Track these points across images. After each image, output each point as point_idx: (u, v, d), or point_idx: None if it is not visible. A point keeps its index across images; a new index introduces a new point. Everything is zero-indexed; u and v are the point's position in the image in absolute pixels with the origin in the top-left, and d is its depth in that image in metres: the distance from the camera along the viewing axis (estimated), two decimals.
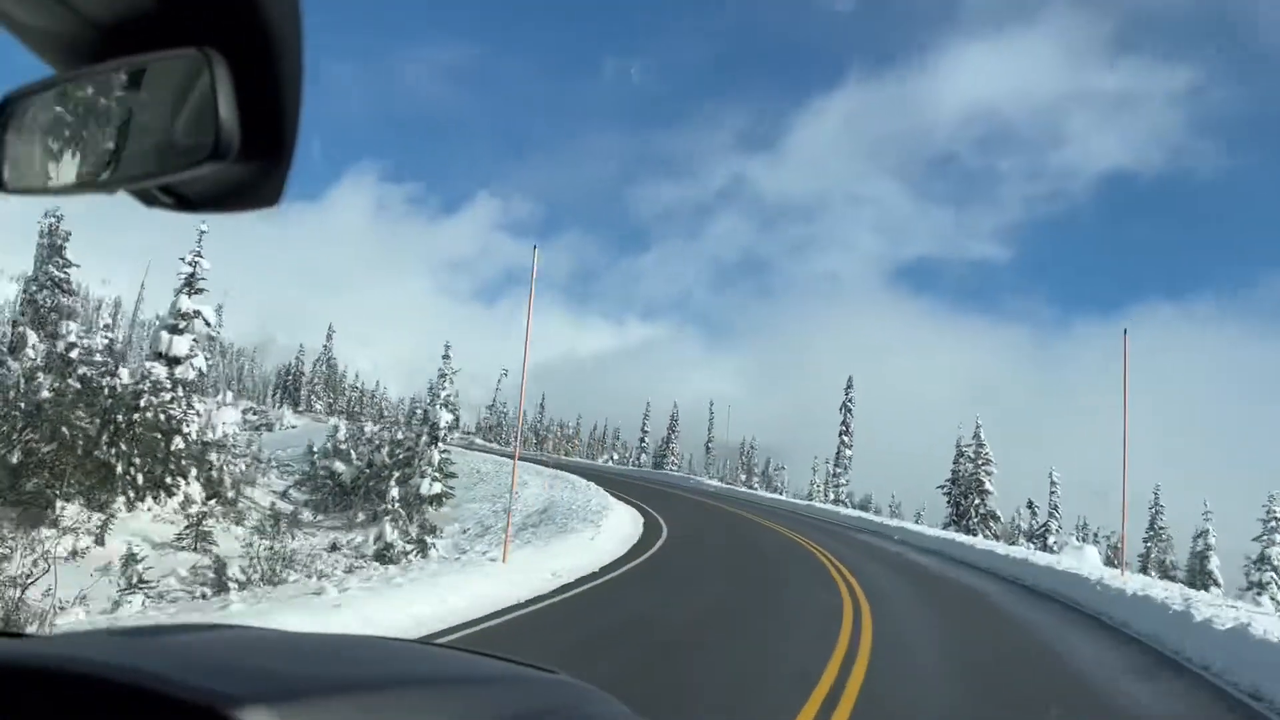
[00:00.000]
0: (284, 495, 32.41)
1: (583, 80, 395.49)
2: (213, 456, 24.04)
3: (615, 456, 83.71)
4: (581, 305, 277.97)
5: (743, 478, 73.97)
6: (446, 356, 32.17)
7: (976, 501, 40.03)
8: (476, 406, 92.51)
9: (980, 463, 40.84)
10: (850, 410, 55.61)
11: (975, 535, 34.22)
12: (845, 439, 55.52)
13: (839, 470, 55.59)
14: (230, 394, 54.53)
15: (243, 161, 0.61)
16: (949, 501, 41.50)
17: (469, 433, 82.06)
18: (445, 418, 30.58)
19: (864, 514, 39.85)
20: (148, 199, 0.65)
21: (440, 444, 30.16)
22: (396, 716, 0.66)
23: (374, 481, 31.10)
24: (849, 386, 55.96)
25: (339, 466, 32.22)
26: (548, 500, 27.64)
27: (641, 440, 76.74)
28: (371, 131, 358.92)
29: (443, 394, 31.18)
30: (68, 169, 0.67)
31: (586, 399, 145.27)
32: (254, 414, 53.72)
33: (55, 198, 0.70)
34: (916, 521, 42.79)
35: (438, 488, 29.01)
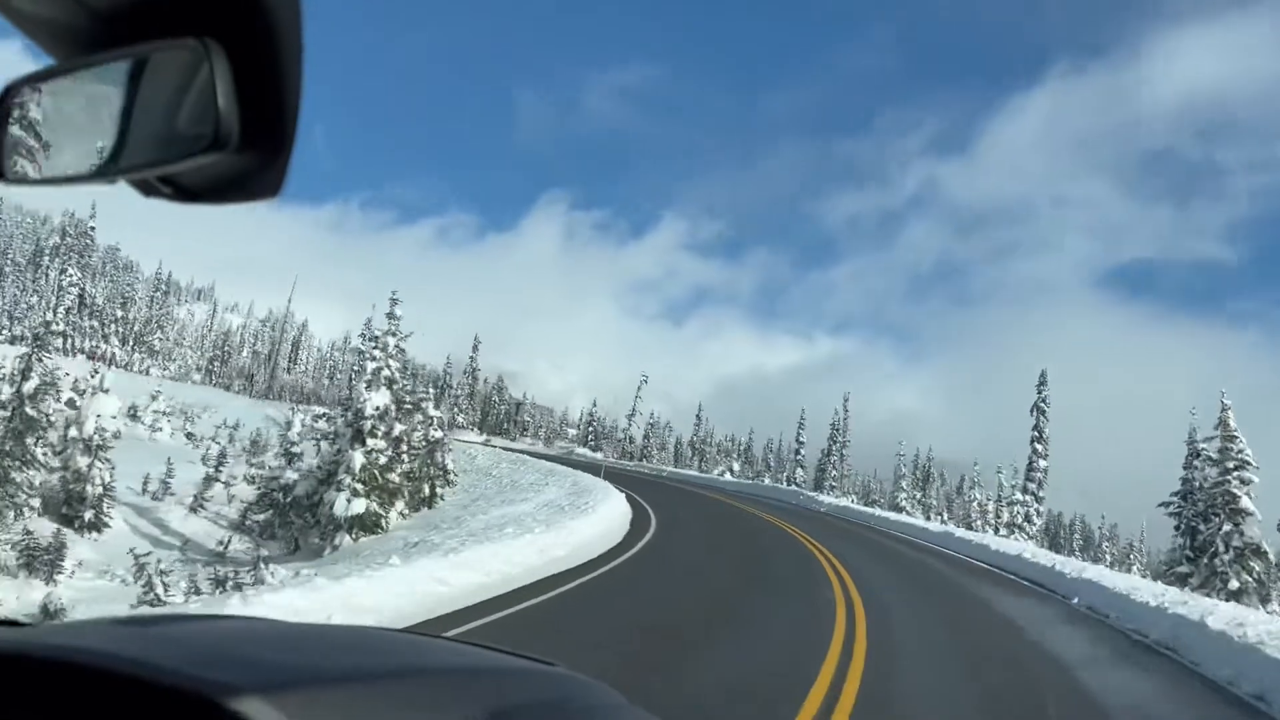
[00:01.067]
0: (243, 518, 24.99)
1: (766, 94, 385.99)
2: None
3: (735, 469, 73.81)
4: (768, 321, 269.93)
5: (877, 500, 61.10)
6: (392, 314, 23.55)
7: (1226, 527, 26.63)
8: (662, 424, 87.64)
9: (1231, 466, 27.29)
10: (1044, 412, 42.63)
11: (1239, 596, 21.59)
12: (1038, 446, 42.52)
13: (1030, 485, 42.48)
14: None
15: (243, 152, 0.60)
16: (1179, 526, 28.16)
17: (597, 440, 74.51)
18: (377, 402, 21.85)
19: (1058, 561, 18.93)
20: (147, 189, 0.64)
21: (371, 440, 21.48)
22: (392, 706, 0.66)
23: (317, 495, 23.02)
24: (1042, 383, 43.05)
25: (290, 476, 24.26)
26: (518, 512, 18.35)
27: (797, 453, 65.46)
28: (560, 161, 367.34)
29: (371, 365, 22.58)
30: (67, 159, 0.67)
31: (765, 414, 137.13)
32: None
33: (54, 188, 0.70)
34: (1127, 563, 29.24)
35: (359, 506, 20.36)
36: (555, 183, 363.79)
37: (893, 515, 36.01)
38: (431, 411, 26.97)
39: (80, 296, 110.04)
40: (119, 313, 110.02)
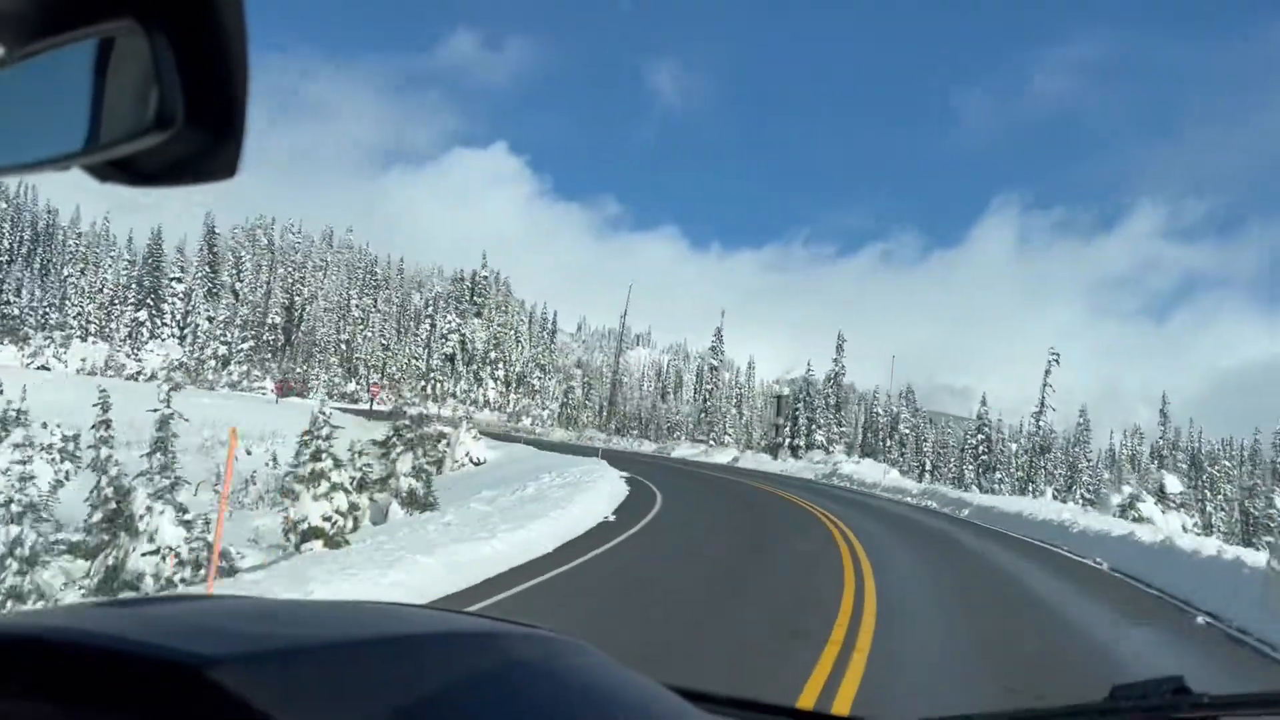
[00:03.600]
0: None
1: (1264, 27, 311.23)
2: None
3: None
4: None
5: None
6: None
7: None
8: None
9: None
10: None
11: None
12: None
13: None
14: None
15: (191, 132, 0.60)
16: None
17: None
18: None
19: None
20: (101, 174, 0.64)
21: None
22: (373, 672, 0.68)
23: None
24: None
25: None
26: None
27: None
28: (1008, 160, 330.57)
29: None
30: (15, 148, 0.67)
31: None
32: None
33: (6, 177, 0.71)
34: None
35: None
36: (1004, 184, 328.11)
37: None
38: None
39: (461, 342, 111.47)
40: (491, 354, 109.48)
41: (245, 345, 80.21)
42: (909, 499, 24.27)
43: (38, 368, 63.13)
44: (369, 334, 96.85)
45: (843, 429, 66.52)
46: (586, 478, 18.56)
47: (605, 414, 79.63)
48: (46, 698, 0.59)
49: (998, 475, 63.11)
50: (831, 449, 64.74)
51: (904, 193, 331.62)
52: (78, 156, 0.62)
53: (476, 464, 24.40)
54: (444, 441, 24.39)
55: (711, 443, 46.71)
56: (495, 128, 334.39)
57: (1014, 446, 74.48)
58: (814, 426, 67.53)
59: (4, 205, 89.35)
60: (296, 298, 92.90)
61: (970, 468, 62.49)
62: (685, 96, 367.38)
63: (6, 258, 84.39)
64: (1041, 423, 51.73)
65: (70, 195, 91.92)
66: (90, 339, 76.37)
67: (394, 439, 18.67)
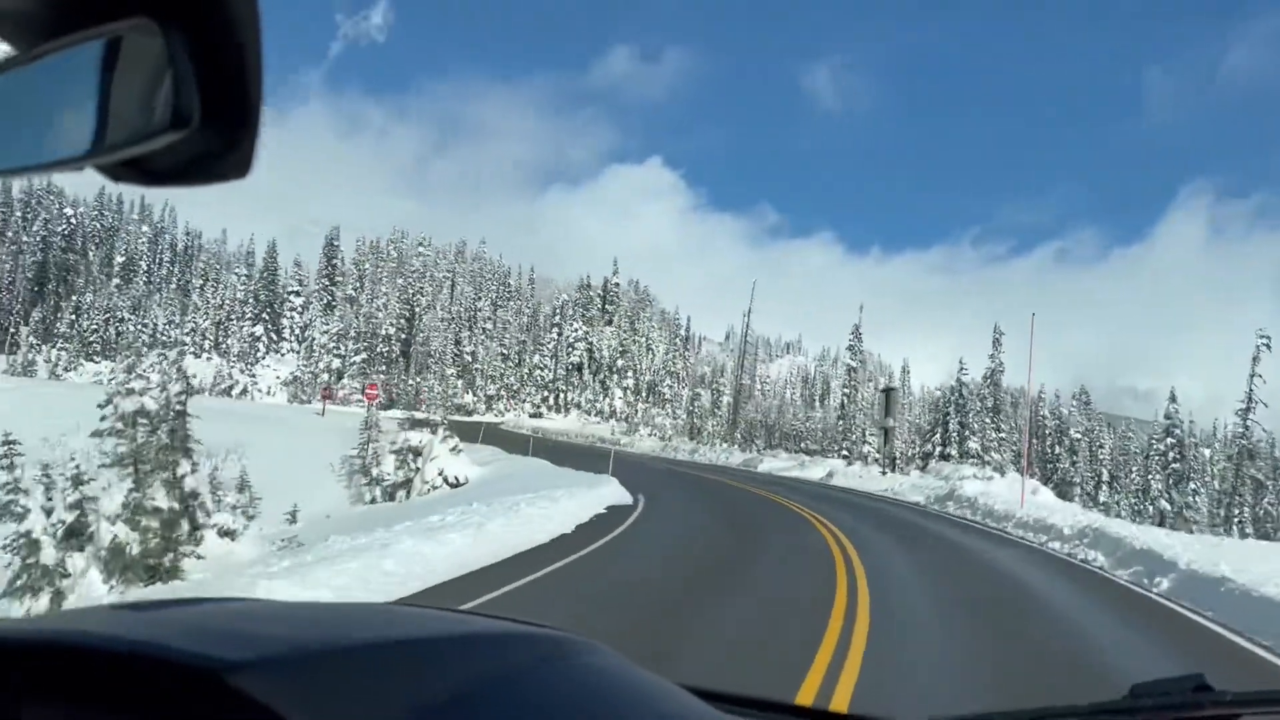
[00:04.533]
0: None
1: None
2: None
3: None
4: None
5: None
6: None
7: None
8: None
9: None
10: None
11: None
12: None
13: None
14: None
15: (206, 132, 0.59)
16: None
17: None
18: None
19: None
20: (114, 174, 0.63)
21: None
22: (387, 674, 0.69)
23: None
24: None
25: None
26: None
27: None
28: (1199, 145, 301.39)
29: None
30: (29, 148, 0.66)
31: None
32: None
33: (18, 177, 0.69)
34: None
35: None
36: (1194, 173, 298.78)
37: None
38: None
39: (589, 350, 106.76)
40: (618, 362, 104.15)
41: (358, 358, 78.14)
42: (1056, 543, 14.48)
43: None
44: (489, 344, 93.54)
45: (1001, 434, 56.78)
46: (556, 509, 12.54)
47: (730, 422, 72.36)
48: (69, 702, 0.59)
49: (1191, 486, 52.28)
50: (987, 457, 55.23)
51: (1082, 188, 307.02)
52: (91, 156, 0.61)
53: (454, 484, 18.31)
54: (419, 457, 18.47)
55: (809, 456, 38.82)
56: (651, 142, 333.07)
57: (1207, 453, 62.46)
58: (967, 433, 58.22)
59: (146, 228, 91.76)
60: (415, 308, 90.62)
61: (1157, 478, 51.98)
62: (844, 98, 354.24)
63: (144, 279, 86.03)
64: (1249, 422, 40.94)
65: (216, 218, 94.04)
66: (204, 355, 76.21)
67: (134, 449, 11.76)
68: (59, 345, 66.80)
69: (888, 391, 34.76)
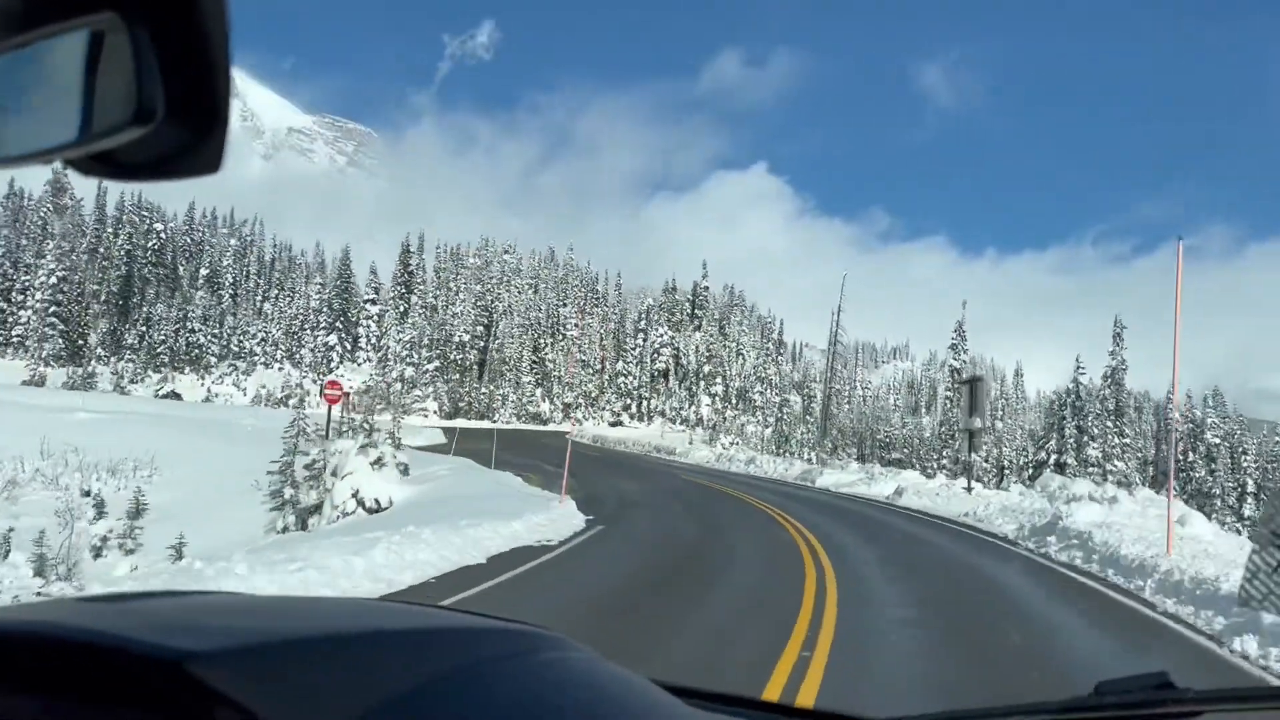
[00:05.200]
0: None
1: None
2: None
3: None
4: None
5: None
6: None
7: None
8: None
9: None
10: None
11: None
12: None
13: None
14: None
15: (174, 126, 0.59)
16: None
17: None
18: None
19: None
20: (83, 168, 0.63)
21: None
22: (354, 667, 0.69)
23: None
24: None
25: None
26: None
27: None
28: None
29: None
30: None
31: None
32: None
33: None
34: None
35: None
36: None
37: None
38: None
39: (675, 356, 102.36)
40: (705, 368, 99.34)
41: (430, 366, 75.95)
42: (1249, 637, 7.45)
43: (204, 398, 62.09)
44: (571, 351, 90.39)
45: (1125, 440, 49.85)
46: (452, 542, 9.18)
47: (821, 429, 66.85)
48: (28, 693, 0.59)
49: None
50: (1109, 466, 48.40)
51: (1215, 182, 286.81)
52: (61, 150, 0.61)
53: (373, 510, 14.37)
54: (332, 474, 14.66)
55: (874, 468, 33.07)
56: (756, 148, 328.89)
57: None
58: (1086, 439, 51.51)
59: (234, 241, 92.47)
60: (494, 315, 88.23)
61: None
62: (959, 95, 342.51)
63: (230, 292, 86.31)
64: None
65: (308, 233, 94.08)
66: (276, 365, 75.35)
67: None
68: (126, 357, 66.76)
69: (972, 383, 28.48)
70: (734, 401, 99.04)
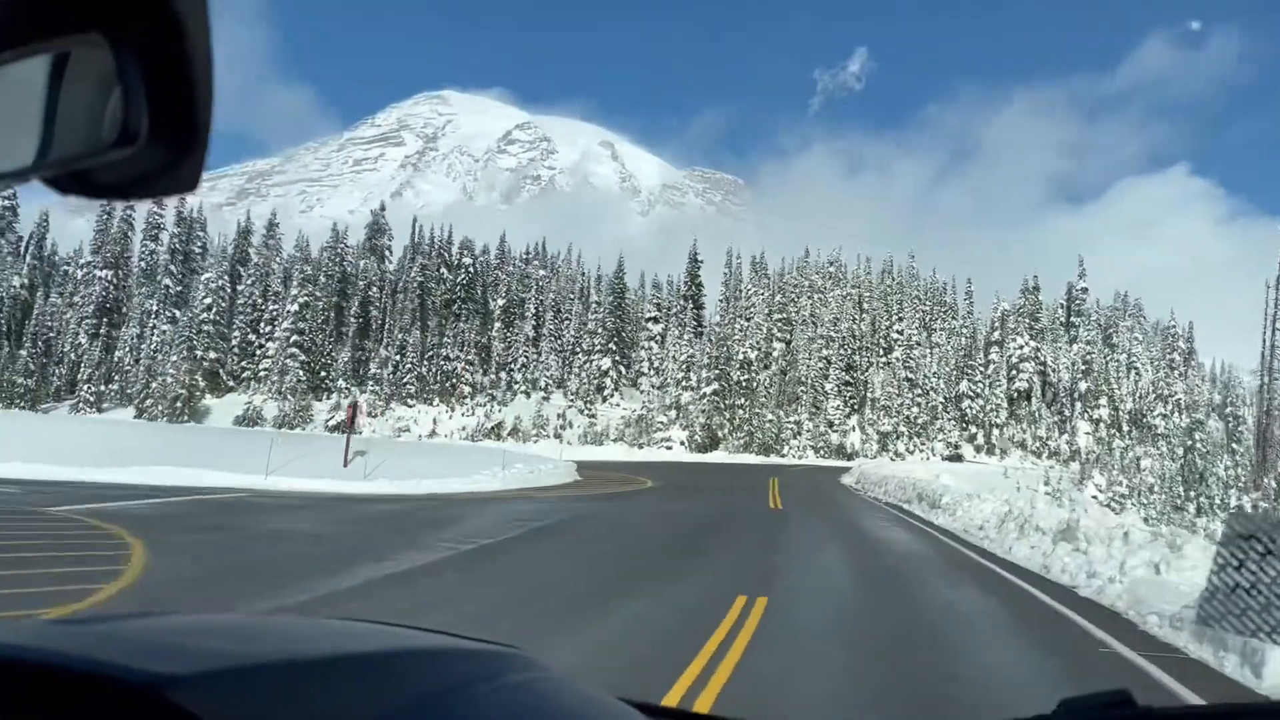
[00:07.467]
0: None
1: None
2: None
3: None
4: None
5: None
6: None
7: None
8: None
9: None
10: None
11: None
12: None
13: None
14: None
15: (155, 146, 0.59)
16: None
17: None
18: None
19: None
20: (61, 187, 0.63)
21: None
22: (323, 690, 0.70)
23: None
24: None
25: None
26: None
27: None
28: None
29: None
30: None
31: None
32: None
33: None
34: None
35: None
36: None
37: None
38: None
39: (1040, 371, 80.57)
40: (1081, 385, 76.25)
41: (709, 389, 64.13)
42: None
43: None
44: (901, 371, 73.78)
45: None
46: None
47: (1257, 465, 44.76)
48: (2, 717, 0.58)
49: None
50: None
51: None
52: (37, 170, 0.62)
53: None
54: None
55: None
56: (1178, 147, 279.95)
57: None
58: None
59: (543, 272, 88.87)
60: (794, 328, 74.52)
61: None
62: None
63: (533, 323, 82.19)
64: None
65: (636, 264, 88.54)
66: (547, 395, 68.08)
67: None
68: (369, 388, 63.19)
69: None
70: (1124, 428, 75.62)
